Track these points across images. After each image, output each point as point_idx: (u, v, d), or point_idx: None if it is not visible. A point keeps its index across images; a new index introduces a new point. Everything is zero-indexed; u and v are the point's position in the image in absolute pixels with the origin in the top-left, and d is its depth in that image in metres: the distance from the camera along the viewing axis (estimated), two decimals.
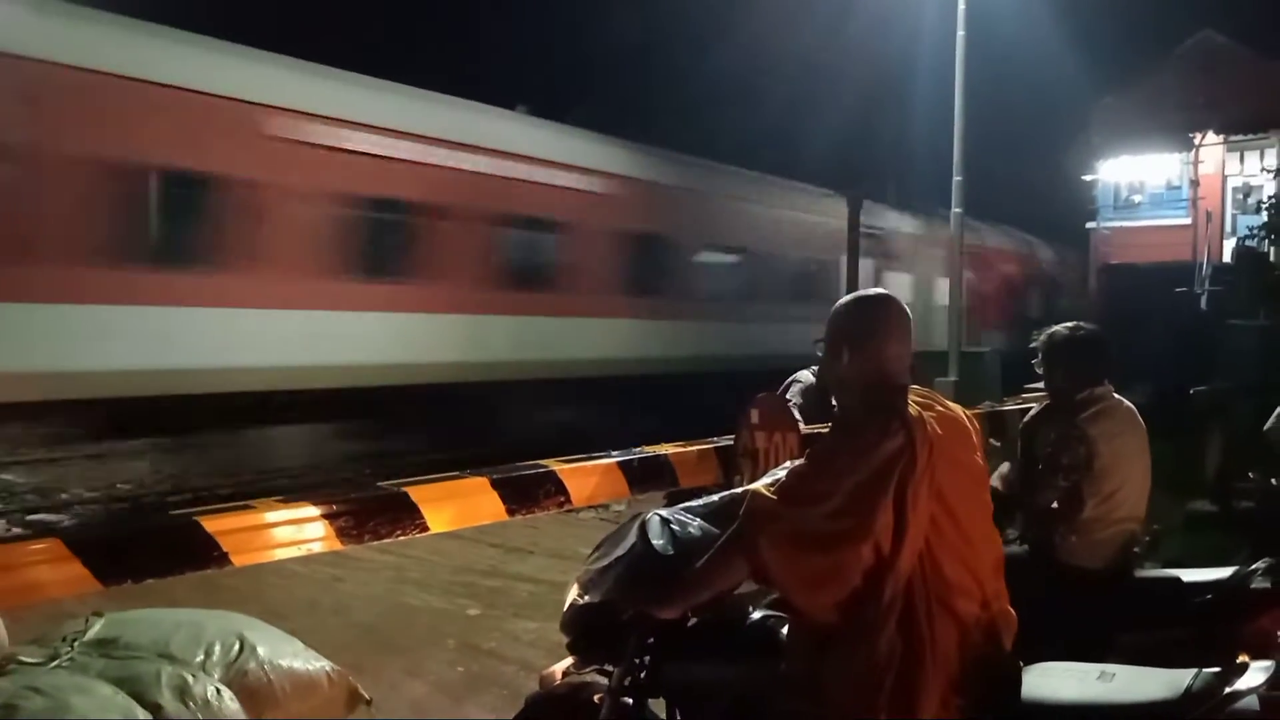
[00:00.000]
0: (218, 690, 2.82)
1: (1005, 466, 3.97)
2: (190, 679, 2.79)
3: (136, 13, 10.00)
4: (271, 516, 3.79)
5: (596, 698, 2.70)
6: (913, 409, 2.31)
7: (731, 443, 5.53)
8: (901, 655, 2.19)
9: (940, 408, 2.40)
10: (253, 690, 2.94)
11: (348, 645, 5.21)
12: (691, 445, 5.08)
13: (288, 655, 3.12)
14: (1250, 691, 2.08)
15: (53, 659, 2.85)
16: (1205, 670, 2.15)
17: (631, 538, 2.68)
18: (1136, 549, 3.71)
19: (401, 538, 4.19)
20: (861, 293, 2.57)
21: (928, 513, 2.23)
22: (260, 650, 3.04)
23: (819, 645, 2.28)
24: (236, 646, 3.01)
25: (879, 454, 2.23)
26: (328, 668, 3.20)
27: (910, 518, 2.20)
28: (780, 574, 2.28)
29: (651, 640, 2.62)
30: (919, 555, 2.23)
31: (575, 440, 6.64)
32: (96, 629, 2.99)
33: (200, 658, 2.91)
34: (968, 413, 2.49)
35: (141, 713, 2.69)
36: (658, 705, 2.72)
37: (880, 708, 2.17)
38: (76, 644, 2.91)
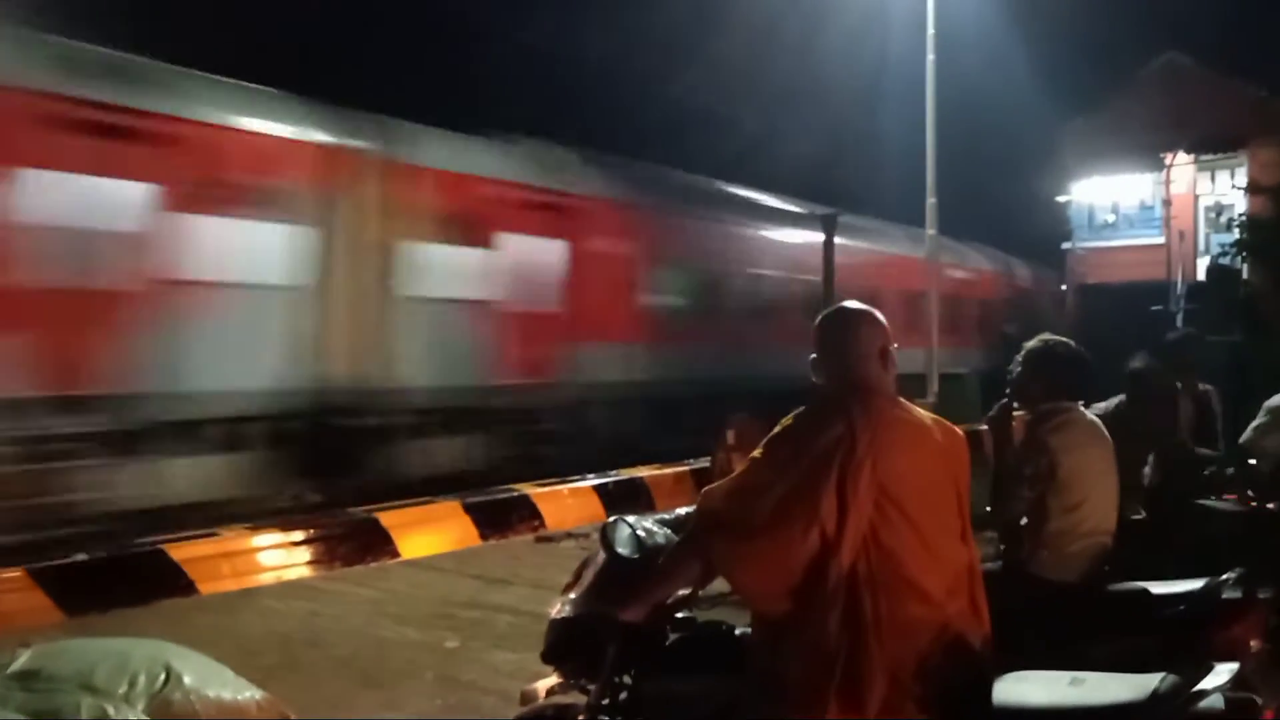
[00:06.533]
0: None
1: None
2: (111, 710, 2.77)
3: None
4: (239, 544, 3.72)
5: (581, 718, 2.68)
6: (862, 404, 2.38)
7: (708, 465, 5.52)
8: (848, 642, 2.24)
9: (901, 411, 2.46)
10: (178, 719, 2.90)
11: (324, 680, 5.15)
12: (667, 468, 5.04)
13: (215, 684, 3.08)
14: (1215, 691, 2.11)
15: None
16: (1172, 673, 2.17)
17: (599, 550, 2.69)
18: (1107, 567, 3.71)
19: (373, 564, 4.14)
20: (833, 306, 2.67)
21: (870, 500, 2.29)
22: (186, 679, 3.01)
23: (776, 636, 2.33)
24: (162, 676, 2.97)
25: (819, 442, 2.31)
26: (257, 696, 3.17)
27: (851, 502, 2.27)
28: (730, 564, 2.35)
29: (630, 658, 2.61)
30: (865, 543, 2.28)
31: None
32: (21, 661, 2.95)
33: (124, 688, 2.87)
34: (950, 426, 2.54)
35: None
36: None
37: (830, 692, 2.21)
38: None
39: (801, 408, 2.50)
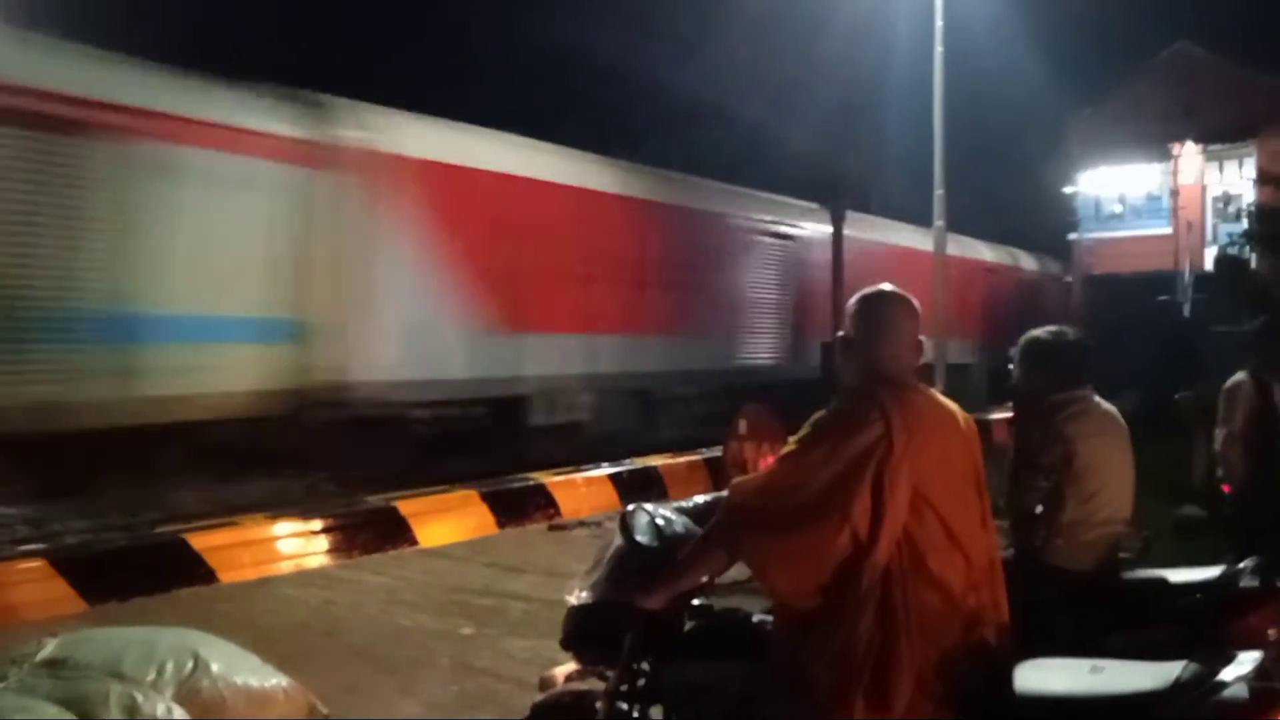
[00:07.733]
0: (169, 708, 2.80)
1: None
2: (140, 697, 2.77)
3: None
4: (259, 533, 3.73)
5: (599, 704, 2.70)
6: (897, 400, 2.33)
7: (720, 454, 5.53)
8: (880, 643, 2.22)
9: (930, 404, 2.42)
10: (206, 707, 2.92)
11: (340, 667, 5.18)
12: (680, 457, 5.06)
13: (243, 671, 3.09)
14: (1238, 680, 2.11)
15: (0, 681, 2.82)
16: (1194, 661, 2.17)
17: (616, 535, 2.70)
18: (1124, 554, 3.71)
19: (391, 553, 4.15)
20: (867, 290, 2.55)
21: (906, 500, 2.27)
22: (214, 667, 3.02)
23: (801, 632, 2.31)
24: (190, 664, 2.98)
25: (857, 442, 2.27)
26: (284, 683, 3.18)
27: (888, 504, 2.24)
28: (761, 561, 2.34)
29: (648, 645, 2.63)
30: (898, 543, 2.26)
31: None
32: (49, 649, 2.96)
33: (152, 676, 2.88)
34: (967, 415, 2.50)
35: None
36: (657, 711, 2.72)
37: (857, 693, 2.20)
38: (26, 665, 2.87)
39: (839, 402, 2.43)
